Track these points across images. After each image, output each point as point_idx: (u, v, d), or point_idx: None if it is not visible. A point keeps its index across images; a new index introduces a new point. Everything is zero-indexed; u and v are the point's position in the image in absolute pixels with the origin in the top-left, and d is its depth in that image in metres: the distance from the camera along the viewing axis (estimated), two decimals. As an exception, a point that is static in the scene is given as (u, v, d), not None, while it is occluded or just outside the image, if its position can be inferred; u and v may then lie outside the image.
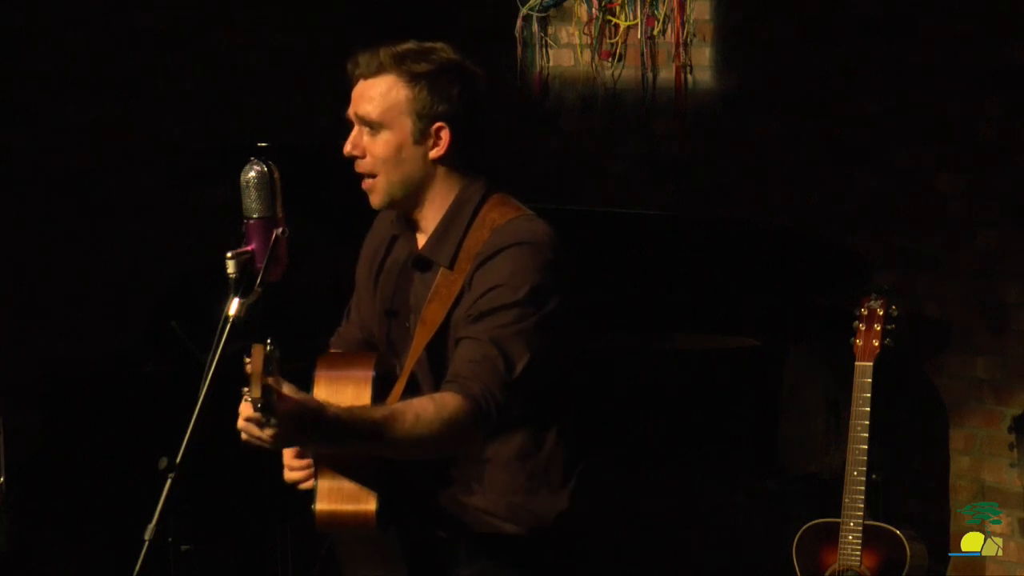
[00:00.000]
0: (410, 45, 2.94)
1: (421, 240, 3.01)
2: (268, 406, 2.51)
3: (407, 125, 2.91)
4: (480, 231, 2.93)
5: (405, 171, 2.93)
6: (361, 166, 2.95)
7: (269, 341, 2.52)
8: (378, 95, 2.91)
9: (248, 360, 2.50)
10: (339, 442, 2.70)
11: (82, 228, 5.66)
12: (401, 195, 2.95)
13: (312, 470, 2.89)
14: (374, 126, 2.92)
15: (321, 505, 2.79)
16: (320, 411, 2.63)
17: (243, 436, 2.67)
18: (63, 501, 4.49)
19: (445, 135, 2.93)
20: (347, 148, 2.95)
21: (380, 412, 2.73)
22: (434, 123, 2.92)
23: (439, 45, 2.96)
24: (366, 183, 2.95)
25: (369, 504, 2.78)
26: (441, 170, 2.96)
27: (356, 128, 2.95)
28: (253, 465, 2.97)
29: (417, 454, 2.81)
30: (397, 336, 3.04)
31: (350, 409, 2.70)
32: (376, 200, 2.97)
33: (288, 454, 2.94)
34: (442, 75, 2.92)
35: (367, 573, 3.06)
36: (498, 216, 2.94)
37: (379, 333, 3.09)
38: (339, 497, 2.79)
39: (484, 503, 2.96)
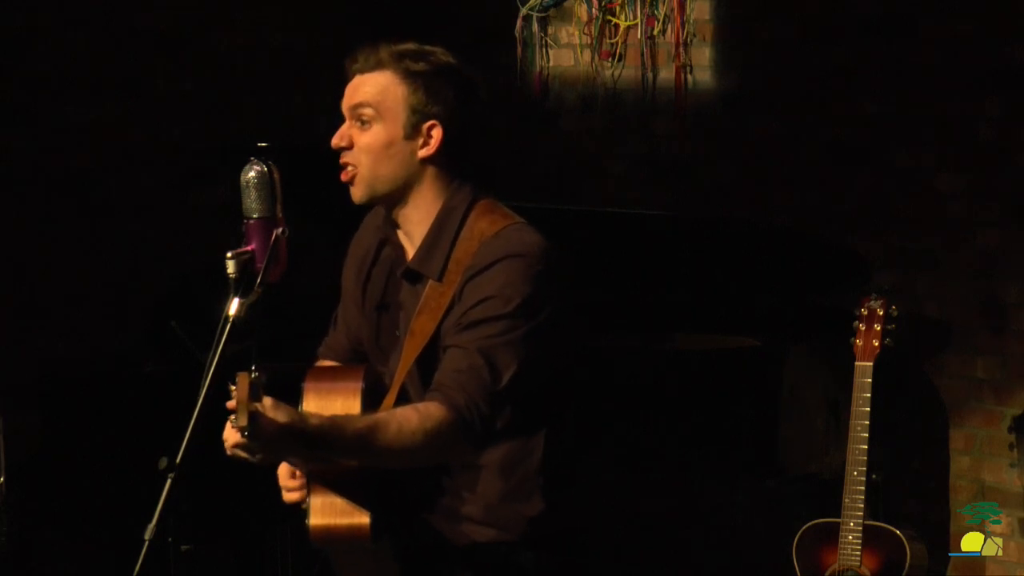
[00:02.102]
0: (410, 45, 2.95)
1: (408, 246, 3.00)
2: (255, 433, 2.53)
3: (400, 120, 2.91)
4: (469, 242, 2.92)
5: (392, 166, 2.92)
6: (347, 157, 2.94)
7: (254, 368, 2.53)
8: (374, 88, 2.92)
9: (234, 388, 2.53)
10: (323, 453, 2.71)
11: (82, 228, 5.66)
12: (384, 191, 2.94)
13: (290, 484, 2.92)
14: (366, 119, 2.92)
15: (315, 520, 2.81)
16: (303, 427, 2.64)
17: (229, 453, 2.69)
18: (63, 501, 4.49)
19: (436, 134, 2.93)
20: (335, 140, 2.94)
21: (363, 422, 2.73)
22: (427, 121, 2.92)
23: (439, 49, 2.97)
24: (348, 174, 2.94)
25: (363, 517, 2.80)
26: (429, 171, 2.95)
27: (347, 122, 2.95)
28: (253, 465, 2.97)
29: (401, 463, 2.81)
30: (386, 343, 3.03)
31: (333, 420, 2.70)
32: (357, 193, 2.95)
33: (284, 475, 2.95)
34: (439, 76, 2.93)
35: None
36: (487, 226, 2.93)
37: (367, 339, 3.09)
38: (332, 512, 2.81)
39: (475, 511, 2.96)
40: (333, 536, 2.81)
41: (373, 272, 3.08)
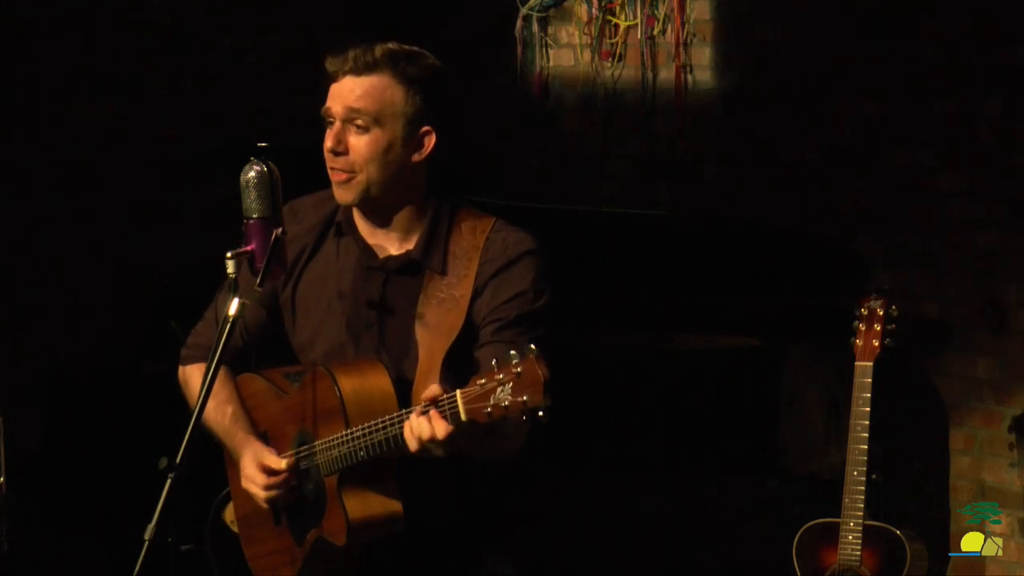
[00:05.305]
0: (398, 47, 2.94)
1: (387, 241, 3.01)
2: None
3: (399, 126, 2.92)
4: (462, 236, 2.96)
5: (390, 171, 2.93)
6: (342, 162, 2.92)
7: (533, 347, 2.59)
8: (375, 92, 2.91)
9: (539, 366, 2.55)
10: (484, 440, 2.74)
11: (82, 228, 5.66)
12: (376, 193, 2.94)
13: (281, 490, 2.96)
14: (364, 124, 2.91)
15: (355, 514, 2.86)
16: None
17: (415, 449, 2.71)
18: (63, 501, 4.50)
19: (430, 140, 2.95)
20: (331, 144, 2.92)
21: None
22: (422, 127, 2.93)
23: (424, 51, 2.97)
24: (341, 176, 2.93)
25: (396, 506, 2.87)
26: (418, 173, 2.97)
27: (338, 124, 2.92)
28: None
29: (500, 452, 2.86)
30: (339, 337, 3.01)
31: None
32: (350, 195, 2.94)
33: (257, 473, 2.99)
34: (433, 81, 2.94)
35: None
36: (475, 221, 2.98)
37: (315, 328, 3.05)
38: (367, 505, 2.87)
39: (455, 494, 3.00)
40: (370, 526, 2.88)
41: (308, 269, 3.05)
